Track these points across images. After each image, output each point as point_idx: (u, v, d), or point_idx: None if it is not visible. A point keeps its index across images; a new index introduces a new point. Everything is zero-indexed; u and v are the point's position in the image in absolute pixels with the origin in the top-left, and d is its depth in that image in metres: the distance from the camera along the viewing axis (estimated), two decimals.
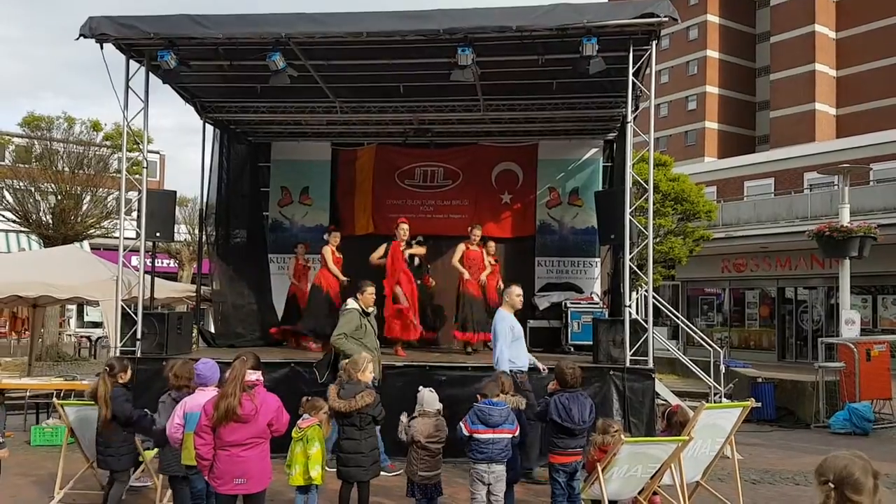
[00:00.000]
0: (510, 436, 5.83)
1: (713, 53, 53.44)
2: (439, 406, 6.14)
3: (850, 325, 14.34)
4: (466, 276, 11.04)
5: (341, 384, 6.18)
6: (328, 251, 11.39)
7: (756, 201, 27.69)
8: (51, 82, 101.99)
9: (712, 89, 53.30)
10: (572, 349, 11.49)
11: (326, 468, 6.16)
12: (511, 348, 7.65)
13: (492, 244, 11.81)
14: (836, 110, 49.58)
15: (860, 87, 47.74)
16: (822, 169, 18.88)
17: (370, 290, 8.33)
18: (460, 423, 5.84)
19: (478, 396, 6.03)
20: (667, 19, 8.43)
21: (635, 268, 9.53)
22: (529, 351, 11.74)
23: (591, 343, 9.78)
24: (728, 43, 53.99)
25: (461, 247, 11.22)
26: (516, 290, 7.90)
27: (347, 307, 8.19)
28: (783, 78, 50.53)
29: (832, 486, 2.63)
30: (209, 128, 12.45)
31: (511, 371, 7.36)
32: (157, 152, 36.84)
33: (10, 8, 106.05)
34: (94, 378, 10.96)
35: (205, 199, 12.59)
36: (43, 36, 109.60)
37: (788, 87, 49.98)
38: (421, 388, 6.31)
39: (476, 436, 5.73)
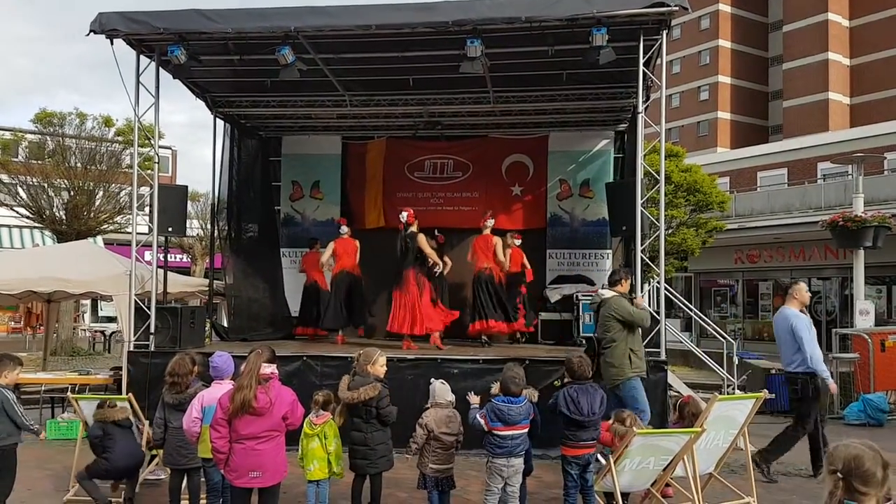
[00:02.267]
0: (526, 431, 5.80)
1: (725, 43, 53.04)
2: (451, 397, 6.13)
3: (865, 315, 14.21)
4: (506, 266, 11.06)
5: (353, 375, 6.18)
6: (357, 244, 11.55)
7: (769, 192, 27.50)
8: (63, 79, 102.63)
9: (725, 79, 52.93)
10: (584, 341, 11.45)
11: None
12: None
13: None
14: (850, 99, 49.14)
15: (874, 76, 47.30)
16: (835, 158, 18.72)
17: (628, 281, 8.06)
18: (477, 416, 5.81)
19: (491, 389, 6.00)
20: (677, 9, 8.36)
21: (647, 259, 9.49)
22: (539, 344, 11.85)
23: None
24: (740, 32, 53.57)
25: (498, 239, 11.01)
26: (804, 287, 7.92)
27: (606, 296, 7.76)
28: (796, 67, 50.11)
29: (840, 475, 2.62)
30: (220, 123, 12.49)
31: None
32: (169, 147, 37.04)
33: (22, 7, 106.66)
34: (108, 372, 11.10)
35: (216, 194, 12.64)
36: (54, 34, 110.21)
37: (801, 77, 49.57)
38: (433, 380, 6.30)
39: (495, 432, 5.71)
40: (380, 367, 6.23)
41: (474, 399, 6.04)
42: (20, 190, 21.16)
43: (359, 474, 6.10)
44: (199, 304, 13.50)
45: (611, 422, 6.28)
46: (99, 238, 24.11)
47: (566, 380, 6.36)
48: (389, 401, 6.09)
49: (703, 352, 13.93)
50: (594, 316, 8.15)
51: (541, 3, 8.60)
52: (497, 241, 11.03)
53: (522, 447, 5.77)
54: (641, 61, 9.04)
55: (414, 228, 10.48)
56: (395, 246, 10.60)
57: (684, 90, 53.58)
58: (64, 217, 20.73)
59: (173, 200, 10.38)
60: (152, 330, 9.55)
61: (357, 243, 11.55)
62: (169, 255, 12.30)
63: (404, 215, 10.52)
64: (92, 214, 21.01)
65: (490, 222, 11.23)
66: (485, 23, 8.69)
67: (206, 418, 5.42)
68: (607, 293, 7.78)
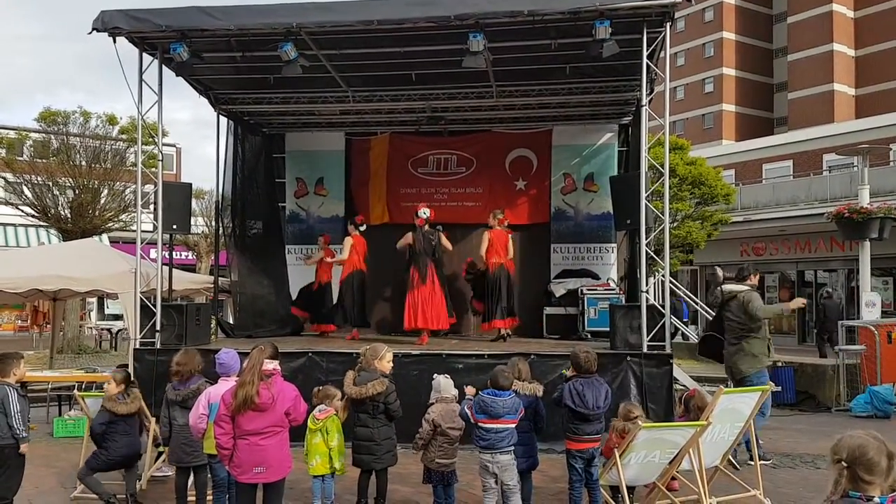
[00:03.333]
0: (513, 426, 5.74)
1: (729, 35, 52.84)
2: (455, 392, 6.14)
3: (871, 307, 14.15)
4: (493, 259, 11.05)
5: (359, 371, 6.19)
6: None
7: (775, 184, 27.42)
8: (67, 78, 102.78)
9: (729, 71, 52.75)
10: (589, 336, 11.46)
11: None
12: None
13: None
14: (855, 90, 48.93)
15: (879, 67, 47.08)
16: (841, 150, 18.67)
17: (756, 276, 8.81)
18: (465, 408, 5.82)
19: (489, 383, 6.01)
20: (680, 1, 8.36)
21: (652, 253, 9.47)
22: (546, 338, 11.84)
23: (607, 329, 9.74)
24: (744, 24, 53.37)
25: (486, 235, 11.04)
26: None
27: (738, 290, 8.39)
28: (801, 58, 49.90)
29: (845, 464, 2.62)
30: (223, 120, 12.48)
31: None
32: (173, 145, 37.06)
33: (25, 6, 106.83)
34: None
35: (221, 191, 12.65)
36: (58, 32, 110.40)
37: (806, 68, 49.37)
38: (436, 375, 6.29)
39: (480, 424, 5.72)
40: (386, 362, 6.24)
41: (470, 391, 6.02)
42: (25, 189, 21.20)
43: (364, 470, 6.11)
44: (205, 301, 13.53)
45: (617, 418, 6.25)
46: (104, 236, 24.18)
47: (570, 373, 6.33)
48: (396, 396, 6.10)
49: None
50: (718, 309, 8.73)
51: None
52: (483, 238, 11.16)
53: (507, 442, 5.69)
54: (645, 54, 9.01)
55: (427, 226, 10.62)
56: (421, 242, 10.55)
57: (689, 83, 53.41)
58: (69, 215, 20.77)
59: (178, 198, 10.39)
60: (158, 327, 9.57)
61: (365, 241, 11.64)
62: (174, 253, 12.33)
63: (427, 212, 10.60)
64: (97, 213, 21.04)
65: (507, 221, 11.32)
66: (487, 17, 8.66)
67: (211, 415, 5.43)
68: (738, 287, 8.40)
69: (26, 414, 5.97)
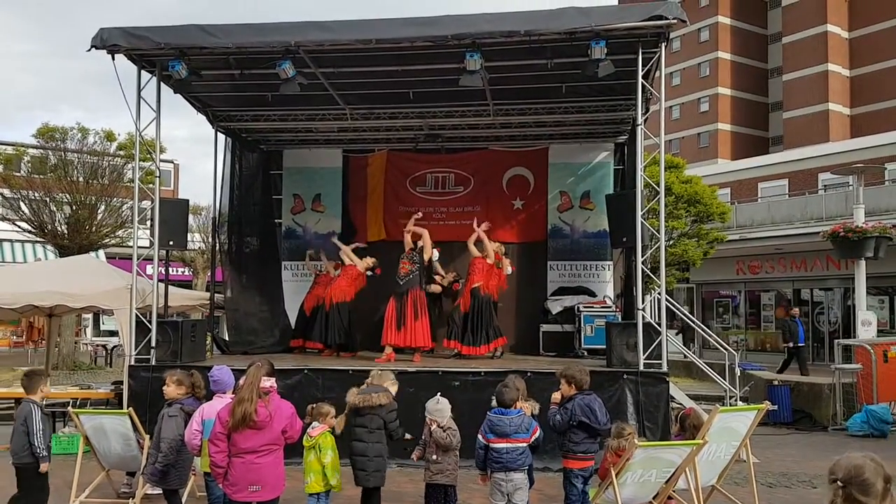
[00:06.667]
0: (525, 444, 5.69)
1: (725, 55, 53.20)
2: None
3: (867, 326, 14.19)
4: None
5: (364, 386, 6.21)
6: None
7: (770, 202, 27.48)
8: (67, 95, 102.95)
9: (724, 91, 53.05)
10: (585, 353, 11.45)
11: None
12: None
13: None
14: (850, 110, 49.22)
15: (874, 87, 47.40)
16: (836, 169, 18.71)
17: None
18: (479, 436, 5.78)
19: (492, 402, 5.96)
20: (675, 22, 8.42)
21: (648, 271, 9.48)
22: (541, 356, 11.83)
23: (604, 347, 9.74)
24: (740, 44, 53.75)
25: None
26: None
27: None
28: (796, 78, 50.23)
29: (840, 484, 2.61)
30: (221, 136, 12.53)
31: None
32: (171, 161, 37.09)
33: (25, 23, 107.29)
34: (109, 387, 11.10)
35: (218, 208, 12.67)
36: (58, 50, 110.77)
37: (801, 88, 49.67)
38: (439, 398, 6.21)
39: (491, 445, 5.67)
40: (394, 387, 6.29)
41: None
42: (22, 204, 21.19)
43: (361, 486, 6.09)
44: (201, 317, 13.51)
45: (611, 437, 6.23)
46: (101, 252, 24.13)
47: (559, 396, 6.25)
48: (397, 415, 6.09)
49: (706, 363, 13.88)
50: None
51: (539, 16, 8.67)
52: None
53: (521, 462, 5.65)
54: (640, 74, 9.08)
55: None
56: (428, 265, 11.17)
57: (684, 102, 53.70)
58: (66, 231, 20.75)
59: (174, 214, 10.40)
60: (153, 344, 9.55)
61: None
62: (170, 269, 12.32)
63: (437, 254, 11.30)
64: (94, 228, 21.02)
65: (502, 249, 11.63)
66: (484, 36, 8.74)
67: (205, 432, 5.41)
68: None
69: (49, 433, 5.90)
